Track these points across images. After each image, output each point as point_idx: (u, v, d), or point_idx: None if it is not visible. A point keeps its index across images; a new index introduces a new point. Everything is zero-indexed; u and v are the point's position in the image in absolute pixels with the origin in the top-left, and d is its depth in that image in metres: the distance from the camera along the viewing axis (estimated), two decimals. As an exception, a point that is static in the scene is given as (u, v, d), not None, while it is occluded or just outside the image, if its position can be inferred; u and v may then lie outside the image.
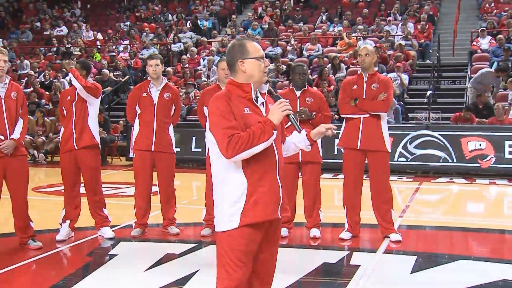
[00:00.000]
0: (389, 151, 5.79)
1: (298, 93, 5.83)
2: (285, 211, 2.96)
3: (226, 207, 2.84)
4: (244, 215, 2.81)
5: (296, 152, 3.25)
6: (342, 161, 5.97)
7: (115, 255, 5.33)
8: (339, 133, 5.89)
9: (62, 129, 5.97)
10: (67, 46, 20.22)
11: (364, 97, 5.71)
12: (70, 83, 6.04)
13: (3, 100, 5.34)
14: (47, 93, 16.45)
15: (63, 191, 6.05)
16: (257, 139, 2.74)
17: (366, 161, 5.83)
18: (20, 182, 5.41)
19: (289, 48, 16.80)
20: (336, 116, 12.14)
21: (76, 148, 5.79)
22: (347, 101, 5.77)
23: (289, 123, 3.01)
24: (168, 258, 5.22)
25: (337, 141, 6.25)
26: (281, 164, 2.93)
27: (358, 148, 5.70)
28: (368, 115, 5.67)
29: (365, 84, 5.74)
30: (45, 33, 22.16)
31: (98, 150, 6.00)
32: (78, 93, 5.78)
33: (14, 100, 5.41)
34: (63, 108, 5.91)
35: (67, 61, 6.15)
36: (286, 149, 3.14)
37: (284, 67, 15.05)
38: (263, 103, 2.96)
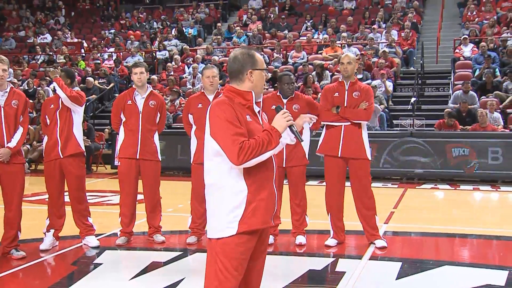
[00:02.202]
0: (370, 159, 5.83)
1: (285, 101, 5.84)
2: (277, 219, 3.02)
3: (223, 214, 2.83)
4: (242, 222, 2.82)
5: (282, 146, 3.23)
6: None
7: (100, 264, 5.29)
8: (318, 140, 5.92)
9: (46, 137, 5.91)
10: (50, 53, 20.10)
11: (345, 105, 5.73)
12: (54, 91, 6.01)
13: (2, 109, 5.33)
14: (31, 101, 16.27)
15: (47, 200, 6.00)
16: (266, 147, 2.78)
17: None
18: (14, 190, 5.38)
19: (276, 55, 16.85)
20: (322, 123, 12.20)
21: (62, 157, 5.75)
22: (328, 108, 5.78)
23: None
24: (153, 266, 5.19)
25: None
26: (278, 173, 3.00)
27: (339, 155, 5.72)
28: (349, 123, 5.70)
29: (346, 92, 5.77)
30: (28, 40, 22.00)
31: (84, 158, 5.97)
32: (62, 101, 5.75)
33: (15, 108, 5.40)
34: (46, 116, 5.88)
35: (51, 69, 6.11)
36: None
37: (270, 74, 15.10)
38: (259, 112, 3.00)
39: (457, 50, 15.76)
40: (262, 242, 2.99)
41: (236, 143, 2.74)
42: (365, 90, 5.80)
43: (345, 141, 5.69)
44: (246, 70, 2.92)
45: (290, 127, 2.88)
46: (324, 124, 5.91)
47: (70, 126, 5.80)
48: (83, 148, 5.93)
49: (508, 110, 12.34)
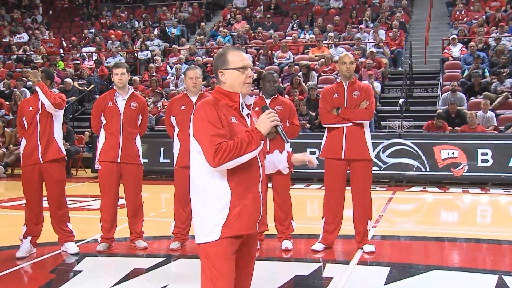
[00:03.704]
0: (373, 159, 5.86)
1: (268, 101, 5.87)
2: (263, 226, 2.98)
3: (207, 218, 2.83)
4: (226, 227, 2.80)
5: (274, 171, 3.27)
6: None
7: (80, 271, 5.24)
8: (320, 143, 5.93)
9: (24, 141, 5.84)
10: (27, 53, 19.94)
11: (346, 105, 5.75)
12: (32, 92, 5.94)
13: None
14: (7, 102, 16.16)
15: (24, 205, 5.94)
16: (245, 148, 2.75)
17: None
18: None
19: (262, 57, 16.86)
20: (307, 125, 12.23)
21: (42, 162, 5.70)
22: (328, 110, 5.78)
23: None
24: (135, 273, 5.17)
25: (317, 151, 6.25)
26: (264, 178, 2.95)
27: (342, 158, 5.71)
28: (351, 124, 5.70)
29: (346, 92, 5.78)
30: (4, 40, 21.79)
31: (64, 162, 5.93)
32: (42, 104, 5.70)
33: None
34: (24, 119, 5.80)
35: (32, 71, 6.02)
36: (265, 167, 3.12)
37: (255, 75, 15.11)
38: (248, 114, 2.97)
39: (445, 50, 15.89)
40: (249, 248, 2.98)
41: (213, 144, 2.73)
42: (364, 89, 5.82)
43: (348, 142, 5.70)
44: (217, 71, 2.95)
45: (277, 127, 2.84)
46: (325, 127, 5.92)
47: (51, 130, 5.76)
48: (64, 152, 5.90)
49: (498, 111, 12.47)
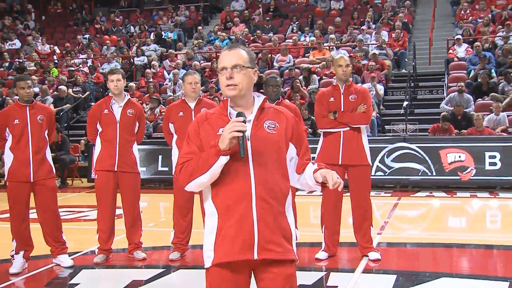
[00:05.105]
0: (371, 164, 5.86)
1: (270, 105, 5.86)
2: (265, 252, 2.59)
3: (204, 240, 2.68)
4: (215, 252, 2.61)
5: (312, 189, 2.87)
6: None
7: (76, 284, 5.24)
8: (315, 148, 5.94)
9: (10, 154, 5.65)
10: (20, 60, 19.98)
11: (342, 109, 5.74)
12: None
13: None
14: None
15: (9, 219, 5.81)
16: (201, 167, 2.55)
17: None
18: None
19: (262, 62, 16.90)
20: (309, 130, 12.24)
21: (32, 180, 5.65)
22: (324, 114, 5.78)
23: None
24: (134, 285, 5.16)
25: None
26: (265, 194, 2.59)
27: (339, 163, 5.71)
28: (348, 128, 5.70)
29: (342, 95, 5.77)
30: (-5, 47, 21.88)
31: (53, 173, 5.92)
32: (32, 116, 5.66)
33: None
34: (7, 129, 5.63)
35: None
36: (300, 184, 2.86)
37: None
38: (250, 120, 2.66)
39: (450, 51, 15.90)
40: (266, 278, 2.66)
41: (179, 163, 2.65)
42: (361, 92, 5.83)
43: (345, 147, 5.69)
44: None
45: (238, 138, 2.50)
46: (321, 132, 5.92)
47: (44, 149, 5.74)
48: (54, 170, 5.89)
49: (506, 113, 12.47)
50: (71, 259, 5.89)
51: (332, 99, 5.79)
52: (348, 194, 5.82)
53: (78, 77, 17.42)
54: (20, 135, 5.62)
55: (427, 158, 10.96)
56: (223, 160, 2.53)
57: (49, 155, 5.81)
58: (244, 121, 2.52)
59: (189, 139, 2.68)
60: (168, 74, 17.29)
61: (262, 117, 2.69)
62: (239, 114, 2.57)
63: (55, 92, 16.48)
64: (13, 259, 5.69)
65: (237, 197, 2.57)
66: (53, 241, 5.81)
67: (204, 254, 2.67)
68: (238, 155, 2.55)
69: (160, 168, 12.13)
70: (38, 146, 5.67)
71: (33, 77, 16.58)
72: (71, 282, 5.35)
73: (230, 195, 2.58)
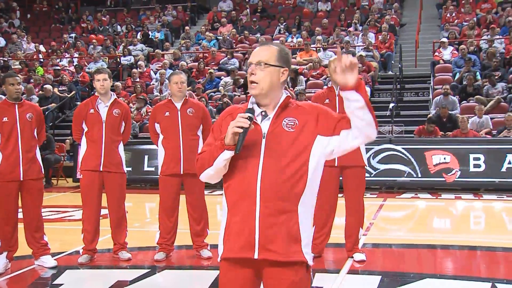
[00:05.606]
0: (366, 165, 5.90)
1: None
2: (266, 252, 2.52)
3: (219, 232, 2.67)
4: (224, 246, 2.62)
5: (362, 110, 2.78)
6: None
7: (60, 285, 5.21)
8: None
9: (0, 154, 5.58)
10: (5, 59, 19.82)
11: (337, 111, 5.78)
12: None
13: None
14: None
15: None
16: (209, 159, 2.57)
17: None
18: None
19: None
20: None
21: (22, 179, 5.61)
22: None
23: None
24: (119, 285, 5.15)
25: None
26: (271, 193, 2.51)
27: (336, 165, 5.72)
28: None
29: (337, 97, 5.80)
30: (-21, 45, 21.69)
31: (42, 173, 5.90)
32: (21, 113, 5.63)
33: None
34: None
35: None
36: (357, 129, 2.80)
37: (242, 80, 15.15)
38: (269, 118, 2.61)
39: (436, 53, 16.03)
40: (270, 278, 2.58)
41: (199, 153, 2.68)
42: None
43: None
44: None
45: (239, 134, 2.49)
46: None
47: (35, 148, 5.71)
48: (43, 170, 5.88)
49: (490, 115, 12.59)
50: (55, 259, 5.86)
51: (327, 101, 5.83)
52: (342, 195, 5.85)
53: (64, 76, 17.33)
54: (9, 134, 5.57)
55: (412, 159, 11.03)
56: (227, 154, 2.51)
57: (39, 155, 5.78)
58: (250, 118, 2.48)
59: (212, 131, 2.71)
60: (155, 74, 17.24)
61: (282, 115, 2.62)
62: (248, 111, 2.53)
63: (41, 92, 16.37)
64: (-4, 259, 5.65)
65: (242, 194, 2.55)
66: (35, 242, 5.76)
67: (218, 247, 2.67)
68: (250, 151, 2.55)
69: (146, 168, 12.10)
70: (29, 144, 5.64)
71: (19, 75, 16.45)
72: (55, 282, 5.32)
73: (237, 191, 2.57)
